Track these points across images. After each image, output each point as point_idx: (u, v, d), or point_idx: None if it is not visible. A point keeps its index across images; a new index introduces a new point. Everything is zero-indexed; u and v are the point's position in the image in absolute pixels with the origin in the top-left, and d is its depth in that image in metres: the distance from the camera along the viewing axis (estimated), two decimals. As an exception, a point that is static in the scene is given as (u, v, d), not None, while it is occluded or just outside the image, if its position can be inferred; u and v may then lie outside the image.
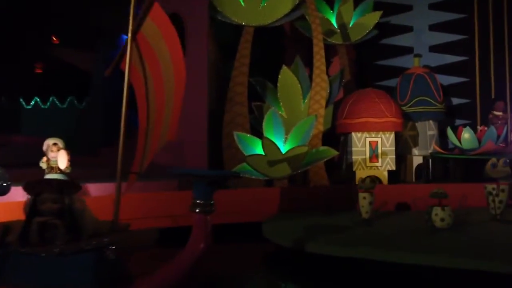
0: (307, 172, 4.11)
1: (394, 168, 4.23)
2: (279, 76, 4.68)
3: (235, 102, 4.27)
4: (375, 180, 4.22)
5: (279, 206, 3.35)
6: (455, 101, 5.49)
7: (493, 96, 5.35)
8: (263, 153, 3.58)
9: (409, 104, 4.83)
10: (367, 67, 5.68)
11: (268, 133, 3.67)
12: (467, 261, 2.01)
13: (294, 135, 3.69)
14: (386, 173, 4.24)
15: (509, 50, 5.50)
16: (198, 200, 1.74)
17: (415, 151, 4.77)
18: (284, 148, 3.66)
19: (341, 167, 4.58)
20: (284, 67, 4.66)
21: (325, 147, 3.80)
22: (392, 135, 4.23)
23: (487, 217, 2.78)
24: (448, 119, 5.21)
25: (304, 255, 2.42)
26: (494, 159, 2.70)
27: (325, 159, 3.80)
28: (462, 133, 3.88)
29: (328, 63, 5.57)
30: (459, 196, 3.32)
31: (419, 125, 4.79)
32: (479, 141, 3.83)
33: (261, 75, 4.75)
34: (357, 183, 2.97)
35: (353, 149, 4.22)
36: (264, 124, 3.70)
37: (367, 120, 4.16)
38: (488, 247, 2.18)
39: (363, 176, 4.19)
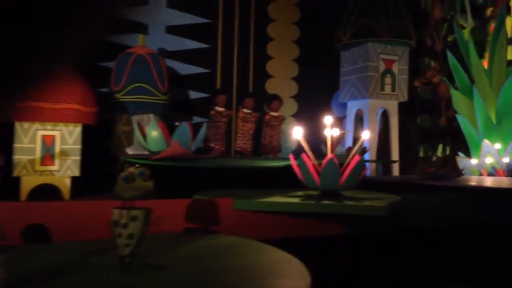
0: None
1: (78, 173, 3.08)
2: None
3: None
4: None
5: None
6: (194, 94, 4.71)
7: (235, 90, 4.74)
8: None
9: (124, 92, 3.78)
10: (91, 42, 4.47)
11: None
12: None
13: None
14: (68, 181, 3.06)
15: (254, 41, 4.97)
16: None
17: (129, 150, 3.74)
18: None
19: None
20: None
21: None
22: (78, 129, 3.08)
23: (115, 259, 1.81)
24: (180, 114, 4.37)
25: None
26: (131, 169, 1.76)
27: None
28: (148, 130, 2.95)
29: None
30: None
31: (136, 118, 3.77)
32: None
33: None
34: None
35: (17, 145, 2.93)
36: None
37: (38, 105, 2.92)
38: None
39: (32, 185, 2.99)
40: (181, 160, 2.70)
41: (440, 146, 5.76)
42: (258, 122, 4.17)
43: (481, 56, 5.91)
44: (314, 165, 2.64)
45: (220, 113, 3.86)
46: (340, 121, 5.32)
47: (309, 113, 4.87)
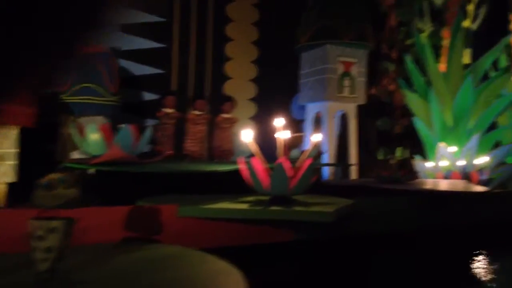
0: None
1: (14, 179, 2.88)
2: None
3: None
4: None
5: None
6: (148, 96, 4.54)
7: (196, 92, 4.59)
8: None
9: (70, 92, 3.59)
10: (34, 43, 4.25)
11: None
12: None
13: None
14: (3, 187, 2.86)
15: (212, 41, 4.85)
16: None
17: (75, 154, 3.55)
18: None
19: None
20: None
21: None
22: (15, 132, 2.88)
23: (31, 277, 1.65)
24: (132, 116, 4.20)
25: None
26: (51, 176, 1.61)
27: None
28: (87, 132, 2.79)
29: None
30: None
31: (83, 121, 3.59)
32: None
33: None
34: None
35: None
36: None
37: (-32, 105, 2.71)
38: None
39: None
40: (122, 165, 2.55)
41: (399, 149, 5.78)
42: (211, 125, 4.05)
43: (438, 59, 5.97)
44: (266, 169, 2.54)
45: (167, 114, 3.71)
46: (298, 124, 5.26)
47: (268, 115, 4.77)
